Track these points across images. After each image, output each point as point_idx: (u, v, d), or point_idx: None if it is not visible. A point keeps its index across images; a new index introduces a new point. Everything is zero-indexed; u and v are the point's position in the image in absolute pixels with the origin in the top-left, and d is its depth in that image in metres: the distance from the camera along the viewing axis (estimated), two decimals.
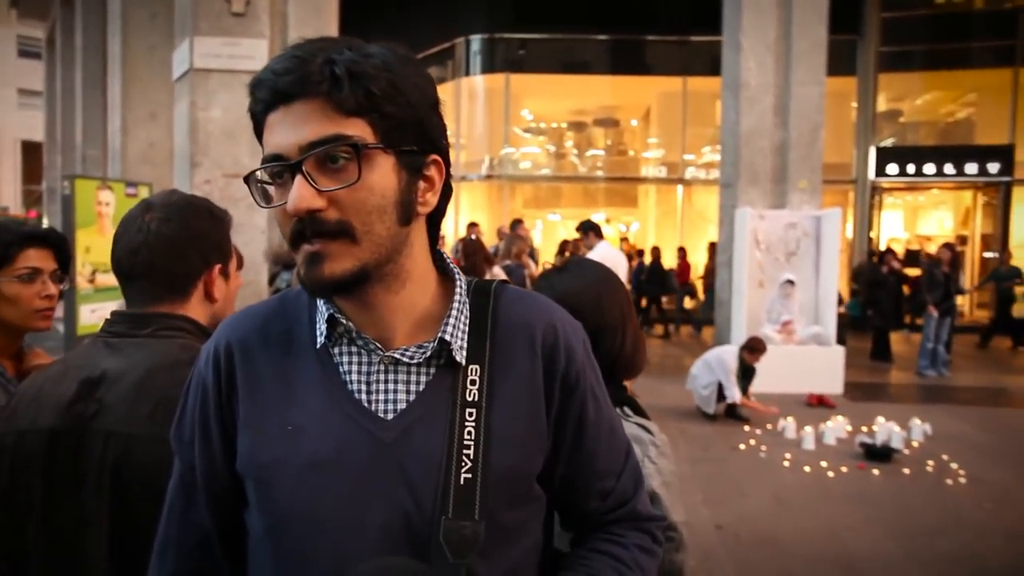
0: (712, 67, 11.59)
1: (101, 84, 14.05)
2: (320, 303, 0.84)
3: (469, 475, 0.79)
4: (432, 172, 0.83)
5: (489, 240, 10.01)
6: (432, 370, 0.83)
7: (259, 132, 0.80)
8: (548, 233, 16.29)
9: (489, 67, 14.80)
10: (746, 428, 6.21)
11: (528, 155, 15.87)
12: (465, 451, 0.79)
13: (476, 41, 14.83)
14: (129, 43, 11.43)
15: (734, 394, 6.34)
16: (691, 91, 14.37)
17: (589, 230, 6.58)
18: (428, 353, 0.83)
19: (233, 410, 0.85)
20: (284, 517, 0.80)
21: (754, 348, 6.51)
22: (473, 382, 0.82)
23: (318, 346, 0.84)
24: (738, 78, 8.27)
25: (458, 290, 0.87)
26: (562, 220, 16.56)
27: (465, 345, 0.84)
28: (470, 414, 0.81)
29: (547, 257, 14.32)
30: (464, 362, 0.83)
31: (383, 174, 0.77)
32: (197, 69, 7.62)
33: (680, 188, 14.78)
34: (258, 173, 0.80)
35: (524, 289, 0.93)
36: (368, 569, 0.72)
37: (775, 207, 8.22)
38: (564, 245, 9.64)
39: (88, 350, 1.21)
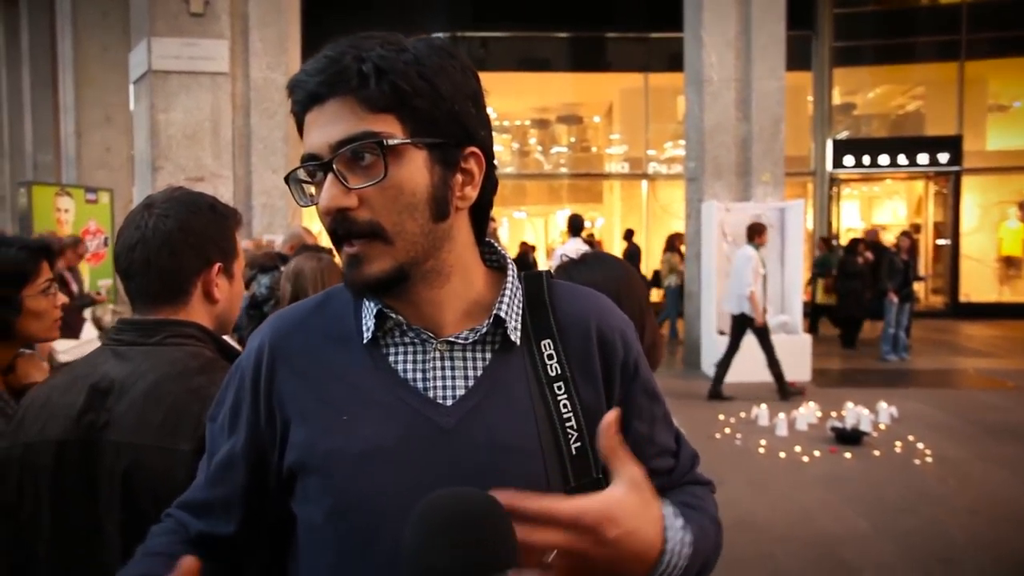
0: (672, 63, 11.72)
1: (51, 86, 13.58)
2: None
3: (579, 444, 0.81)
4: (471, 165, 0.82)
5: None
6: (488, 355, 0.83)
7: (301, 132, 0.81)
8: (514, 231, 16.30)
9: None
10: (721, 417, 6.33)
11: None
12: (567, 423, 0.81)
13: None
14: (81, 44, 11.06)
15: (750, 286, 6.69)
16: (652, 87, 14.51)
17: (568, 226, 6.54)
18: (484, 330, 0.82)
19: (271, 405, 0.85)
20: (345, 504, 0.80)
21: (761, 231, 6.84)
22: (551, 356, 0.83)
23: (365, 340, 0.84)
24: (700, 73, 8.39)
25: (510, 275, 0.87)
26: (528, 218, 16.58)
27: (519, 326, 0.84)
28: (559, 387, 0.82)
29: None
30: (519, 342, 0.83)
31: (414, 170, 0.77)
32: (156, 71, 7.44)
33: (644, 183, 14.93)
34: (298, 172, 0.81)
35: (570, 283, 0.94)
36: (442, 496, 0.69)
37: (739, 200, 8.35)
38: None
39: (95, 359, 1.18)
